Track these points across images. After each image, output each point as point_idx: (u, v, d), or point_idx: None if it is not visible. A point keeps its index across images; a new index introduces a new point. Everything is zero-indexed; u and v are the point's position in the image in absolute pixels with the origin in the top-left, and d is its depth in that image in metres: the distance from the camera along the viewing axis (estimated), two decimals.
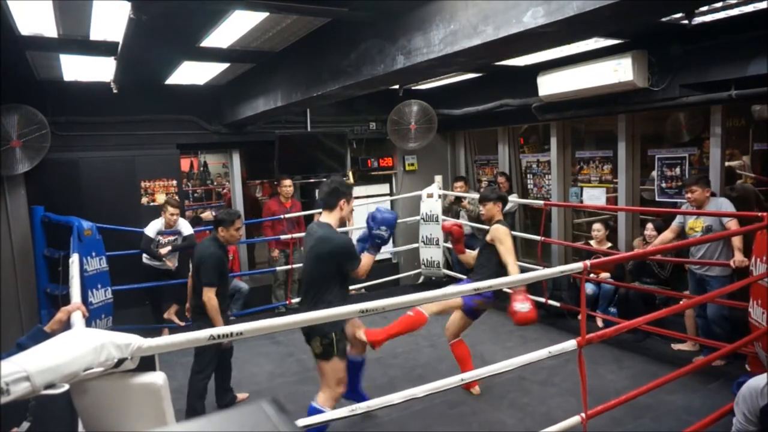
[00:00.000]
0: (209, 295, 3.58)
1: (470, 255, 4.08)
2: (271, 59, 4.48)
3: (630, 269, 5.23)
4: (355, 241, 3.53)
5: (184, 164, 10.51)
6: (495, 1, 2.37)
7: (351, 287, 6.42)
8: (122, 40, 3.46)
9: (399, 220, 7.00)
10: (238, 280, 6.01)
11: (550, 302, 5.24)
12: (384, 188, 7.46)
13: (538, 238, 5.42)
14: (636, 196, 5.68)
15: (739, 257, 3.87)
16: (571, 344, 2.59)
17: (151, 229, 5.18)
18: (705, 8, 3.60)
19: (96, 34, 3.62)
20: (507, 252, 3.65)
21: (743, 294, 3.74)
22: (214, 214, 7.23)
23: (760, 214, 3.61)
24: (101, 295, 4.58)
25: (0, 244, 5.09)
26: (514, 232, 4.42)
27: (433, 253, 6.63)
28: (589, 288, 5.19)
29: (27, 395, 1.21)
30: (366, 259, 3.12)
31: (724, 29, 4.02)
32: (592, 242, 5.45)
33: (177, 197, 5.79)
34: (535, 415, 3.61)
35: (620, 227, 5.70)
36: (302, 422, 2.27)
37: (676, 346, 4.61)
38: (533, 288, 4.35)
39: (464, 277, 6.14)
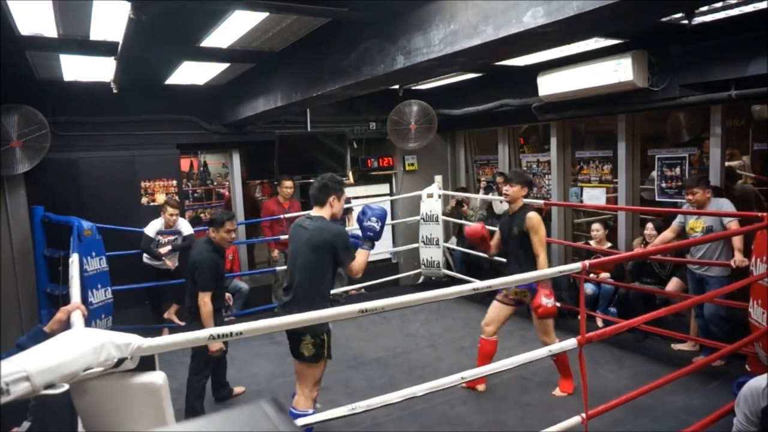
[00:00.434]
0: (205, 300, 3.55)
1: (494, 244, 4.04)
2: (271, 59, 4.48)
3: (630, 269, 5.23)
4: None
5: (184, 164, 10.53)
6: (495, 1, 2.37)
7: (351, 287, 6.52)
8: (122, 40, 3.45)
9: (399, 220, 7.10)
10: (238, 280, 6.01)
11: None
12: (384, 188, 7.47)
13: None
14: (636, 196, 5.68)
15: (739, 257, 3.87)
16: (571, 343, 2.59)
17: (151, 228, 5.18)
18: (705, 8, 3.60)
19: (96, 34, 3.62)
20: (540, 244, 3.67)
21: (743, 294, 3.74)
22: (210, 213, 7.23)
23: (760, 214, 3.61)
24: (101, 295, 4.57)
25: (0, 244, 5.09)
26: None
27: (433, 253, 6.63)
28: (589, 288, 5.19)
29: (27, 395, 1.22)
30: (361, 256, 3.07)
31: (724, 29, 4.02)
32: (591, 242, 5.45)
33: (177, 197, 5.80)
34: (536, 415, 3.61)
35: (620, 227, 5.70)
36: (302, 422, 2.28)
37: (676, 346, 4.62)
38: None
39: (464, 277, 6.17)
